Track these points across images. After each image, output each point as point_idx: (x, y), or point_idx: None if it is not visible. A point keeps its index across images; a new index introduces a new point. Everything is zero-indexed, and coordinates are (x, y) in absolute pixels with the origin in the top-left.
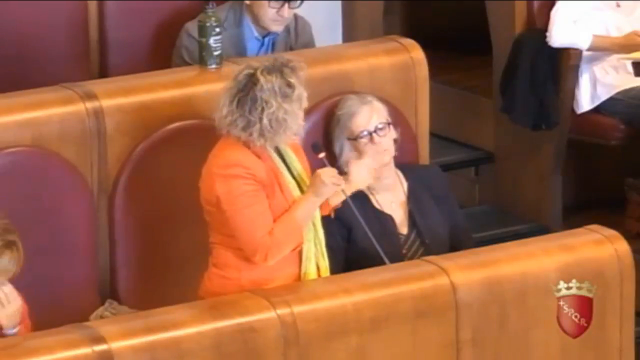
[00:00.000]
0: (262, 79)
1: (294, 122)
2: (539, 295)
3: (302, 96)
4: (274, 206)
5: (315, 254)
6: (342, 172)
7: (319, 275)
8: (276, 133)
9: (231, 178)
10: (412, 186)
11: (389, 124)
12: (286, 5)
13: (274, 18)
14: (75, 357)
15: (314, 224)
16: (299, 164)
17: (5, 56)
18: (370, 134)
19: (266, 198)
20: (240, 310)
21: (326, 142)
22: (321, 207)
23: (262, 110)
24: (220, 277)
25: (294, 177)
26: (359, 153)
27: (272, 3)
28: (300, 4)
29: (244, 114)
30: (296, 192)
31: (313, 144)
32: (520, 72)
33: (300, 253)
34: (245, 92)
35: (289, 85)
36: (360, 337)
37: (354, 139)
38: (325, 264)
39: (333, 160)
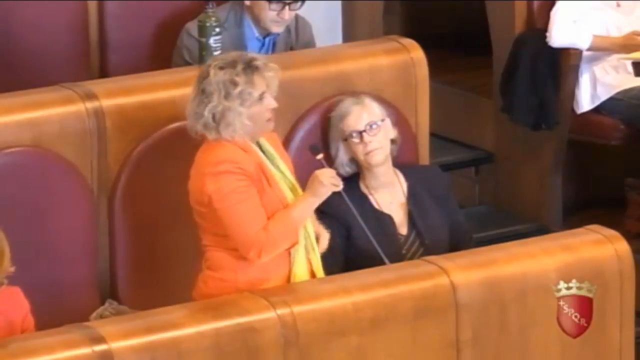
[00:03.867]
0: (211, 73)
1: (235, 119)
2: (539, 295)
3: (244, 94)
4: (265, 201)
5: (306, 247)
6: (340, 174)
7: (311, 269)
8: (219, 127)
9: (221, 175)
10: (411, 186)
11: (383, 121)
12: (287, 7)
13: (275, 20)
14: (75, 357)
15: None
16: (281, 160)
17: (6, 56)
18: (360, 133)
19: (257, 193)
20: (240, 310)
21: (326, 143)
22: None
23: (207, 104)
24: (216, 280)
25: (279, 171)
26: (352, 154)
27: (273, 5)
28: (301, 5)
29: (194, 106)
30: (283, 185)
31: (311, 145)
32: (520, 72)
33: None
34: (198, 83)
35: (232, 82)
36: (360, 337)
37: (345, 139)
38: (316, 257)
39: (332, 162)
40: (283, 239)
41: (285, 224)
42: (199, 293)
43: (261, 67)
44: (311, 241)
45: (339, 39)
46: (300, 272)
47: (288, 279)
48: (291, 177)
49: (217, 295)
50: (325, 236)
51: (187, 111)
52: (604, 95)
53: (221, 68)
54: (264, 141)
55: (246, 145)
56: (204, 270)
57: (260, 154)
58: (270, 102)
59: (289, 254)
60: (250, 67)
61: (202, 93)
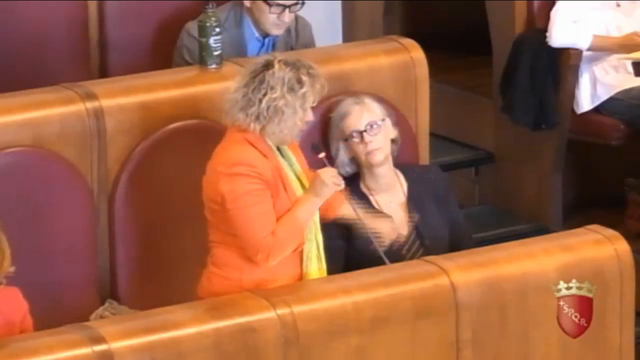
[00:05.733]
0: (276, 66)
1: (290, 116)
2: (539, 295)
3: (307, 96)
4: (277, 206)
5: (317, 257)
6: (340, 174)
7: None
8: (270, 121)
9: (236, 176)
10: (411, 186)
11: (383, 121)
12: (287, 10)
13: (275, 22)
14: (75, 357)
15: (314, 224)
16: (297, 164)
17: (6, 56)
18: (360, 133)
19: (270, 197)
20: (240, 310)
21: (326, 143)
22: (327, 210)
23: (265, 93)
24: (221, 278)
25: (296, 177)
26: (352, 153)
27: (273, 8)
28: (301, 7)
29: (247, 93)
30: (299, 191)
31: (313, 144)
32: (520, 72)
33: (301, 253)
34: (256, 73)
35: (299, 81)
36: (360, 337)
37: (346, 139)
38: (322, 265)
39: (332, 162)
40: (290, 242)
41: (291, 227)
42: (203, 290)
43: (317, 77)
44: (319, 252)
45: (339, 39)
46: (312, 276)
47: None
48: (305, 181)
49: (220, 294)
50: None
51: (228, 97)
52: (604, 95)
53: (286, 64)
54: (286, 148)
55: (267, 150)
56: (209, 266)
57: (280, 158)
58: (310, 114)
59: (299, 258)
60: (310, 74)
61: (262, 83)
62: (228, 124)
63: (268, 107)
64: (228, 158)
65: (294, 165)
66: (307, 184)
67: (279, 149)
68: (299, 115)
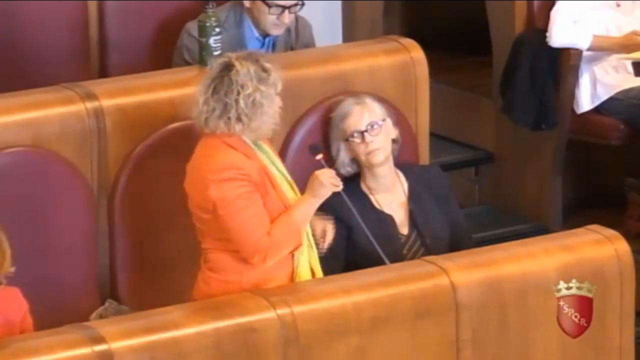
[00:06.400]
0: (237, 64)
1: (270, 106)
2: (539, 295)
3: (277, 82)
4: (268, 205)
5: (307, 245)
6: (341, 174)
7: (310, 266)
8: (253, 117)
9: (225, 182)
10: (412, 186)
11: (384, 121)
12: (286, 11)
13: (274, 23)
14: (75, 357)
15: None
16: (278, 160)
17: (6, 56)
18: (361, 133)
19: (260, 198)
20: (240, 310)
21: (326, 144)
22: None
23: (239, 92)
24: (220, 282)
25: (279, 172)
26: (353, 154)
27: (272, 9)
28: (301, 8)
29: (220, 99)
30: (284, 186)
31: (311, 145)
32: (520, 72)
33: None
34: (221, 78)
35: (264, 69)
36: (360, 337)
37: (346, 139)
38: (314, 253)
39: (333, 162)
40: (287, 243)
41: (288, 228)
42: (201, 294)
43: (272, 61)
44: (309, 240)
45: (339, 39)
46: (304, 273)
47: (291, 279)
48: (289, 176)
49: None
50: (331, 230)
51: (199, 110)
52: (604, 95)
53: (245, 59)
54: (260, 142)
55: (249, 150)
56: (206, 271)
57: (262, 156)
58: (279, 101)
59: (292, 255)
60: (269, 61)
61: (230, 84)
62: (207, 132)
63: (246, 105)
64: (215, 165)
65: (274, 161)
66: (289, 179)
67: (257, 147)
68: (276, 103)
